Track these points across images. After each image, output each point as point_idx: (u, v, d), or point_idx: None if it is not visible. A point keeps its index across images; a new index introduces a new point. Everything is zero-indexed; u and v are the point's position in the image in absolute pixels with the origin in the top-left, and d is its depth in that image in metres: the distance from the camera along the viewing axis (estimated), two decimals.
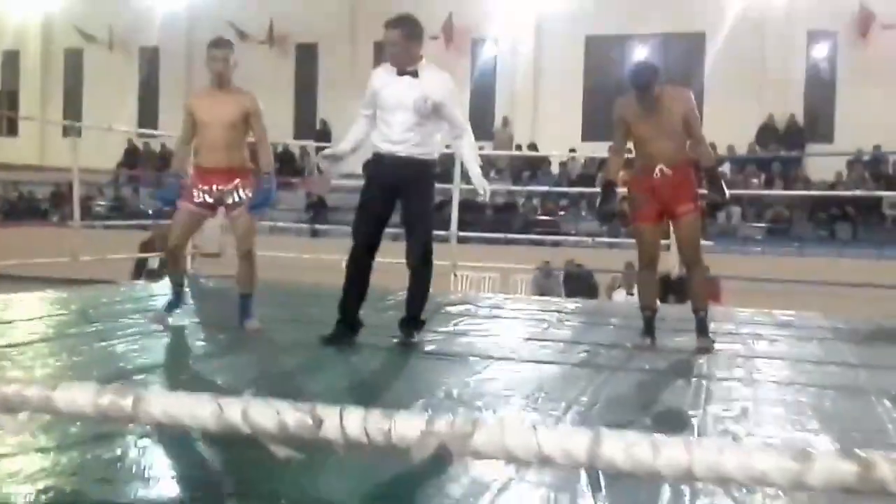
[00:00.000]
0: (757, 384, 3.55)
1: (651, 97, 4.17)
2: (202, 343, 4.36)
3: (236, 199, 4.38)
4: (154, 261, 8.38)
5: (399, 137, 4.09)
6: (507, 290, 10.30)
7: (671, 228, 4.69)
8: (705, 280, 4.66)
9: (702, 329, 4.35)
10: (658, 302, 4.56)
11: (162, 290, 6.22)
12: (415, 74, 4.09)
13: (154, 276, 7.86)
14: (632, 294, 10.09)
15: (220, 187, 4.38)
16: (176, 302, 4.66)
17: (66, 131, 15.07)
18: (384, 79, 4.15)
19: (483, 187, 4.24)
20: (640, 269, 4.56)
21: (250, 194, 4.37)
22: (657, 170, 4.25)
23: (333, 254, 8.32)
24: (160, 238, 7.56)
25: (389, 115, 4.11)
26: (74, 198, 6.52)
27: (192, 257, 7.32)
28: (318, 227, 14.40)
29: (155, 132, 16.31)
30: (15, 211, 18.19)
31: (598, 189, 13.52)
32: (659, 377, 3.74)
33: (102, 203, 17.93)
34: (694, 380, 3.60)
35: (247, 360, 3.90)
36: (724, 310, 6.16)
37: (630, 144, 4.43)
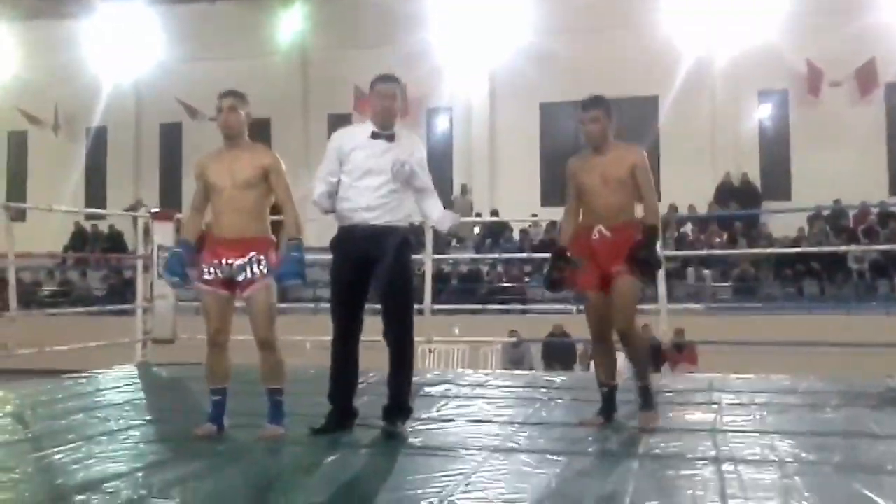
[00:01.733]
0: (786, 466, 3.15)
1: (598, 134, 3.91)
2: (157, 448, 3.71)
3: (249, 275, 3.70)
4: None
5: (373, 203, 3.72)
6: (478, 362, 9.85)
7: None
8: (646, 346, 4.16)
9: (645, 401, 3.93)
10: (616, 377, 4.11)
11: (109, 382, 5.67)
12: (391, 137, 3.76)
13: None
14: None
15: (230, 261, 3.70)
16: (219, 412, 3.85)
17: (6, 214, 14.41)
18: (355, 140, 3.80)
19: (447, 219, 3.93)
20: (592, 342, 4.13)
21: (265, 270, 3.69)
22: (596, 230, 3.92)
23: (289, 333, 7.97)
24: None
25: (361, 180, 3.74)
26: (11, 284, 5.97)
27: (144, 344, 6.80)
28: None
29: (102, 211, 15.75)
30: None
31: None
32: (680, 463, 3.30)
33: (48, 289, 17.18)
34: (725, 466, 3.19)
35: (211, 469, 3.29)
36: (708, 376, 5.78)
37: None
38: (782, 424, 4.01)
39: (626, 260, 3.83)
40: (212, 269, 3.75)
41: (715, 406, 4.47)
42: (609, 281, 3.89)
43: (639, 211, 4.04)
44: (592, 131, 3.94)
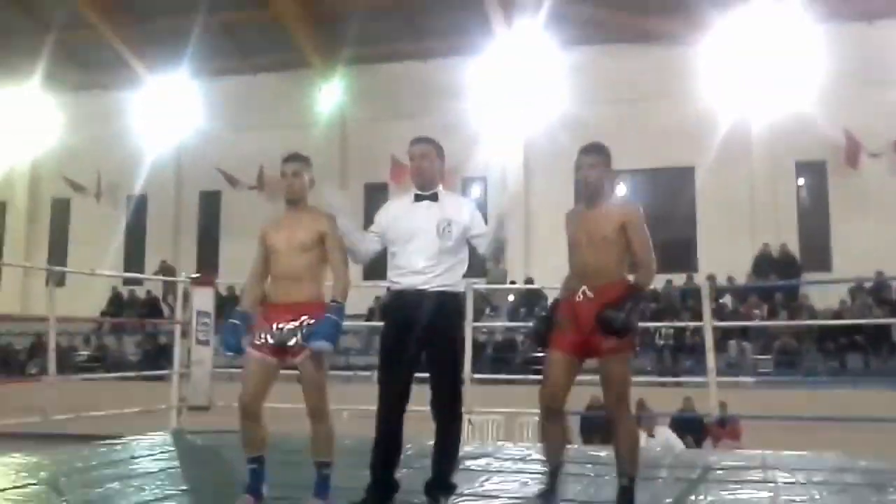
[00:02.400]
0: None
1: (595, 182, 3.62)
2: None
3: (301, 340, 3.57)
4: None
5: (419, 267, 3.66)
6: (513, 433, 9.64)
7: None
8: (633, 435, 3.66)
9: (623, 501, 3.50)
10: (563, 455, 3.72)
11: (144, 449, 5.60)
12: (434, 198, 3.73)
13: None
14: (652, 436, 9.47)
15: (280, 325, 3.56)
16: (257, 481, 3.69)
17: (48, 279, 14.67)
18: (398, 208, 3.79)
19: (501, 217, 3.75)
20: (541, 415, 3.64)
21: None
22: (580, 291, 3.57)
23: (331, 401, 7.90)
24: None
25: (408, 244, 3.70)
26: (50, 349, 5.98)
27: (179, 411, 6.74)
28: None
29: (143, 276, 15.90)
30: None
31: None
32: None
33: (84, 353, 17.28)
34: None
35: None
36: (759, 453, 5.54)
37: None
38: None
39: (595, 321, 3.48)
40: (262, 335, 3.64)
41: (771, 485, 4.27)
42: (586, 348, 3.55)
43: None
44: (589, 177, 3.65)
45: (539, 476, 4.67)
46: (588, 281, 3.55)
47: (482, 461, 5.07)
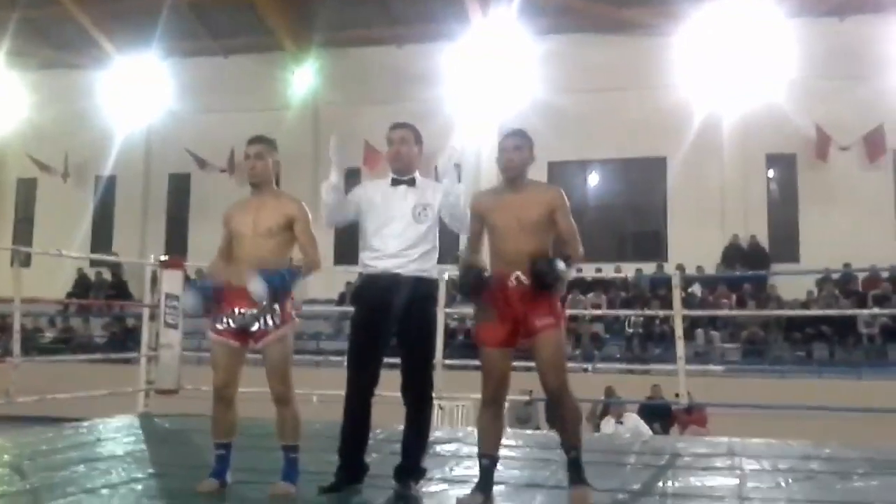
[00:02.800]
0: None
1: (518, 164, 3.57)
2: (160, 503, 3.61)
3: (263, 325, 3.55)
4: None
5: (395, 251, 3.64)
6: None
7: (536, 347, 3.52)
8: (579, 411, 3.61)
9: (575, 473, 3.48)
10: (498, 449, 3.59)
11: (110, 432, 5.53)
12: (412, 182, 3.71)
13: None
14: (620, 422, 9.55)
15: (243, 310, 3.54)
16: (223, 466, 3.67)
17: (13, 259, 14.41)
18: (375, 191, 3.77)
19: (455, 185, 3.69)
20: (482, 405, 3.57)
21: (278, 321, 3.54)
22: (513, 277, 3.46)
23: (299, 386, 7.86)
24: None
25: (383, 227, 3.67)
26: (15, 330, 5.87)
27: (146, 394, 6.66)
28: None
29: (107, 258, 15.69)
30: None
31: (569, 311, 13.14)
32: None
33: (49, 335, 17.05)
34: None
35: None
36: (726, 440, 5.60)
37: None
38: (811, 493, 3.86)
39: (552, 311, 3.44)
40: (225, 319, 3.61)
41: (738, 472, 4.32)
42: (516, 334, 3.49)
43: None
44: (513, 160, 3.59)
45: (508, 460, 4.69)
46: (522, 266, 3.46)
47: (452, 446, 5.08)
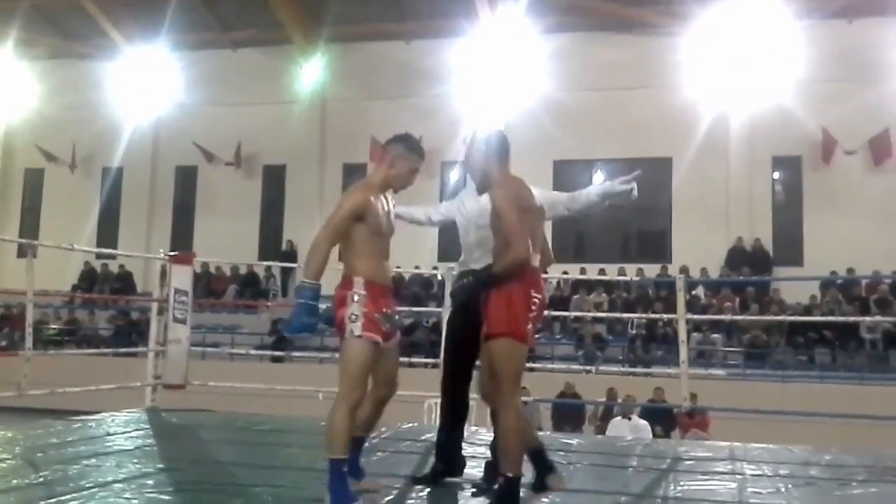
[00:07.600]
0: None
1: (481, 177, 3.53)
2: (174, 498, 3.61)
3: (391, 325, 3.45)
4: None
5: (476, 256, 3.79)
6: (485, 419, 9.71)
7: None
8: (515, 432, 3.28)
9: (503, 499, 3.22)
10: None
11: (119, 426, 5.59)
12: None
13: None
14: (629, 418, 9.61)
15: (388, 310, 3.40)
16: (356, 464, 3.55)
17: (22, 251, 14.50)
18: (468, 199, 3.92)
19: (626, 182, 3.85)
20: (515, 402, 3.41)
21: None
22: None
23: (296, 382, 7.78)
24: None
25: (469, 234, 3.85)
26: (27, 323, 5.93)
27: (154, 388, 6.73)
28: (281, 353, 13.72)
29: (117, 252, 15.76)
30: None
31: (572, 313, 13.10)
32: None
33: (54, 327, 17.13)
34: None
35: None
36: (727, 444, 5.66)
37: None
38: (810, 499, 3.91)
39: (501, 320, 3.28)
40: (379, 318, 3.36)
41: (738, 476, 4.37)
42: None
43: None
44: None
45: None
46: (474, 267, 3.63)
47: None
